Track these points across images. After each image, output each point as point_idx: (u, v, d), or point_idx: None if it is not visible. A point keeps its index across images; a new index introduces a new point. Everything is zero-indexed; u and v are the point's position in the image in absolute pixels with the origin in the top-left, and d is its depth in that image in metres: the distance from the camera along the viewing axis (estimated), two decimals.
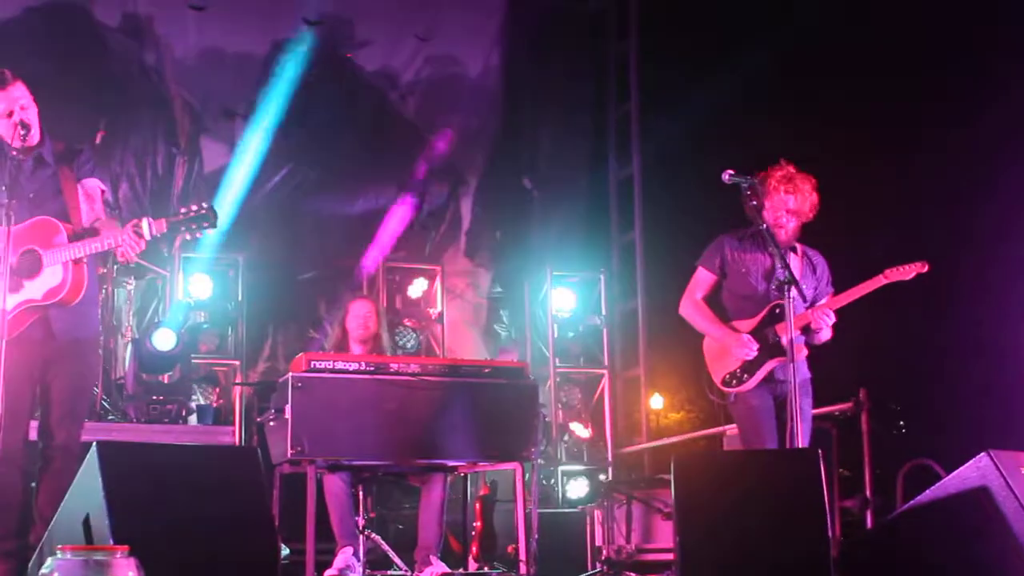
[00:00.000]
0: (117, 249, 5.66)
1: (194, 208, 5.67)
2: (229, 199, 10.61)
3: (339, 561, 7.13)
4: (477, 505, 8.81)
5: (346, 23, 11.35)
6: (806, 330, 6.71)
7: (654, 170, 11.75)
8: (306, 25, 11.43)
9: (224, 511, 4.97)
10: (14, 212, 5.50)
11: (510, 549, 8.27)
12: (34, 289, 5.64)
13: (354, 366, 6.85)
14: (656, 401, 11.66)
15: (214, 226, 5.72)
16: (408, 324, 10.90)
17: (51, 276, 5.67)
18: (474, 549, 8.57)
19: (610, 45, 12.46)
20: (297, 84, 10.98)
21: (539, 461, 8.49)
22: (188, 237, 6.00)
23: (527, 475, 7.25)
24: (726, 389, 6.78)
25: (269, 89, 11.11)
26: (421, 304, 11.14)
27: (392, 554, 7.47)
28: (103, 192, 6.13)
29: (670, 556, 6.94)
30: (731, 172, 6.48)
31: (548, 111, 12.21)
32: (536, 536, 7.51)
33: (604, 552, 8.32)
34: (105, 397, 8.75)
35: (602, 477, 10.75)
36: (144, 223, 5.60)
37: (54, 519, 5.32)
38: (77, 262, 5.69)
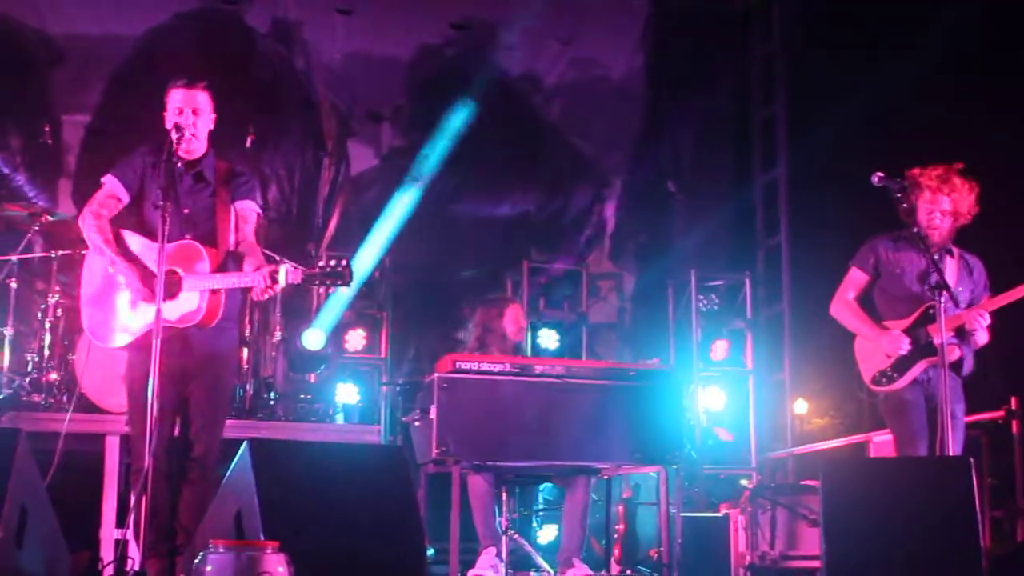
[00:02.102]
0: (252, 288, 5.77)
1: (332, 264, 5.73)
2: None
3: (482, 561, 7.17)
4: (620, 508, 8.79)
5: (490, 27, 11.39)
6: (960, 332, 6.58)
7: (801, 172, 11.59)
8: (451, 29, 11.53)
9: (373, 509, 5.03)
10: (167, 223, 5.60)
11: (652, 553, 8.26)
12: (169, 311, 5.72)
13: (499, 367, 6.87)
14: (800, 406, 11.49)
15: (348, 285, 5.78)
16: (552, 326, 10.91)
17: (187, 301, 5.79)
18: (616, 552, 8.56)
19: (755, 45, 12.34)
20: (443, 90, 11.06)
21: (682, 465, 8.44)
22: (321, 291, 6.10)
23: (670, 479, 7.21)
24: (876, 388, 6.69)
25: (418, 94, 11.24)
26: (565, 306, 11.15)
27: (535, 555, 7.49)
28: (258, 216, 6.25)
29: (815, 564, 6.83)
30: (881, 174, 6.39)
31: (692, 113, 12.11)
32: (679, 540, 7.48)
33: (748, 558, 8.24)
34: (255, 395, 8.90)
35: (745, 482, 10.64)
36: (282, 271, 5.68)
37: (204, 517, 5.44)
38: (214, 291, 5.81)
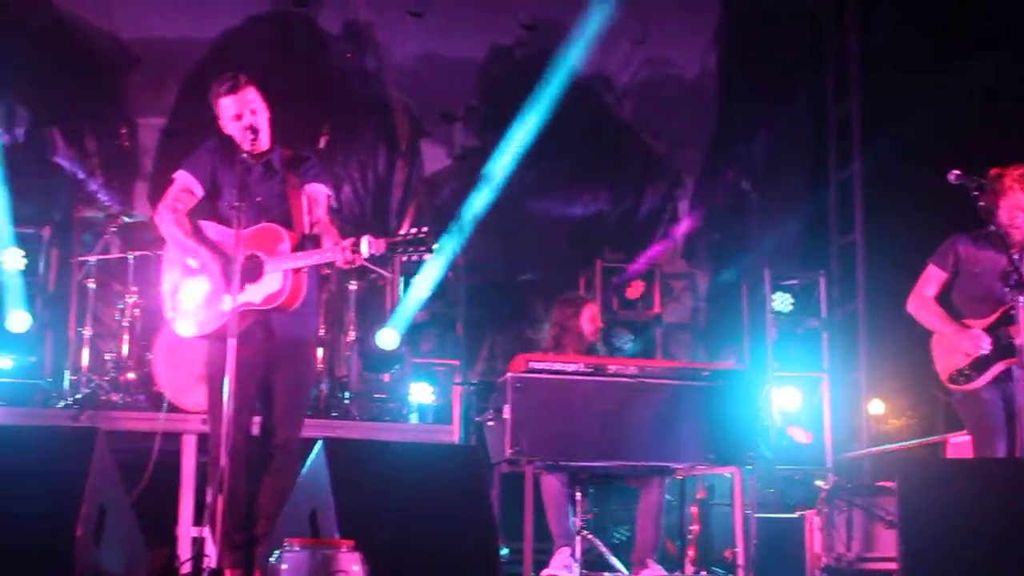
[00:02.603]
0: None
1: (413, 231, 5.75)
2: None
3: (556, 561, 7.16)
4: (694, 508, 8.74)
5: (561, 27, 11.38)
6: None
7: (876, 169, 11.47)
8: (522, 29, 11.54)
9: (446, 508, 5.04)
10: (243, 216, 5.66)
11: (727, 554, 8.19)
12: (254, 293, 5.79)
13: (573, 367, 6.87)
14: (876, 406, 11.38)
15: (431, 251, 5.78)
16: (625, 326, 10.89)
17: (271, 282, 5.82)
18: (691, 553, 8.50)
19: (829, 41, 12.24)
20: (515, 89, 11.07)
21: (757, 465, 8.39)
22: (405, 259, 6.11)
23: (745, 479, 7.17)
24: (952, 386, 6.61)
25: (490, 94, 11.26)
26: (639, 306, 11.11)
27: (609, 555, 7.47)
28: (328, 197, 6.28)
29: (892, 566, 6.76)
30: (958, 172, 6.30)
31: (765, 111, 12.04)
32: (754, 541, 7.44)
33: (823, 560, 8.17)
34: (329, 395, 8.95)
35: (821, 483, 10.54)
36: (364, 241, 5.70)
37: (282, 513, 5.48)
38: (296, 270, 5.84)
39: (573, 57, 10.90)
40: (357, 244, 5.70)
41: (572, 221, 11.71)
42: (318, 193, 6.19)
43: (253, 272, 5.78)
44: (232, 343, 5.49)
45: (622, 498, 8.98)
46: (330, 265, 6.09)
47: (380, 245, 5.72)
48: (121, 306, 8.66)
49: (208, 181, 6.10)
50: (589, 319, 8.02)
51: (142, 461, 7.26)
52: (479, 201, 10.60)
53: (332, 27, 11.37)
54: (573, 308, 8.10)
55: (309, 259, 5.84)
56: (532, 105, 10.75)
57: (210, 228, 6.06)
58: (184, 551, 7.49)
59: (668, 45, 12.02)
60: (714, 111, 12.17)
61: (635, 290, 11.06)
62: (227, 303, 5.68)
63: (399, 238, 5.75)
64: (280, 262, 5.82)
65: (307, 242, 5.98)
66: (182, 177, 6.12)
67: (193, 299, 5.99)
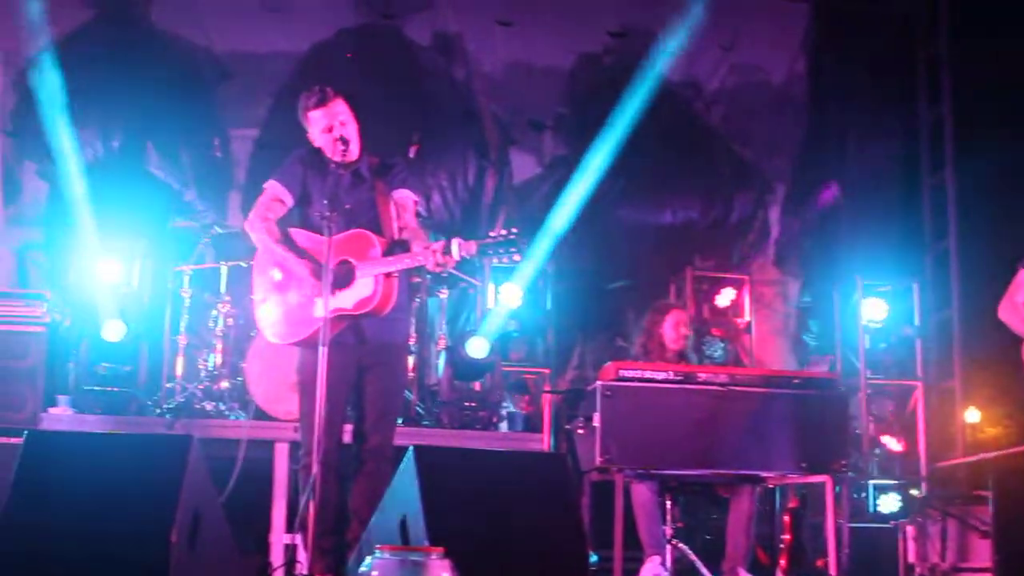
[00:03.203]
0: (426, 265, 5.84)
1: (503, 233, 5.76)
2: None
3: (647, 570, 7.14)
4: (786, 517, 8.67)
5: (649, 35, 11.36)
6: None
7: (970, 175, 11.32)
8: (610, 37, 11.54)
9: (534, 516, 5.05)
10: (334, 223, 5.72)
11: (820, 563, 8.13)
12: (346, 299, 5.85)
13: (663, 375, 6.86)
14: (972, 415, 11.21)
15: (522, 254, 5.80)
16: (716, 334, 10.84)
17: (363, 287, 5.87)
18: (783, 562, 8.44)
19: (919, 46, 12.09)
20: (603, 97, 11.07)
21: (849, 474, 8.31)
22: (496, 262, 6.13)
23: (837, 488, 7.12)
24: None
25: (578, 102, 11.27)
26: (729, 314, 11.05)
27: (699, 565, 7.42)
28: (415, 203, 6.32)
29: None
30: None
31: (856, 116, 11.93)
32: (847, 550, 7.38)
33: (917, 569, 8.09)
34: (420, 403, 9.00)
35: (915, 492, 10.42)
36: (454, 244, 5.71)
37: (372, 519, 5.51)
38: (388, 275, 5.89)
39: (661, 64, 10.88)
40: (448, 247, 5.72)
41: (662, 229, 11.68)
42: (405, 199, 6.24)
43: (345, 277, 5.84)
44: (324, 351, 5.55)
45: (713, 506, 8.95)
46: (421, 271, 6.14)
47: (470, 247, 5.73)
48: (215, 315, 8.79)
49: (298, 190, 6.18)
50: (673, 326, 8.00)
51: (236, 468, 7.37)
52: (567, 209, 10.60)
53: (420, 38, 11.46)
54: (659, 315, 8.10)
55: (400, 263, 5.88)
56: (620, 112, 10.74)
57: (300, 235, 6.13)
58: (276, 558, 7.58)
59: (757, 51, 11.96)
60: (804, 117, 12.07)
61: (725, 298, 11.01)
62: (318, 309, 5.75)
63: (489, 239, 5.76)
64: (371, 267, 5.87)
65: (397, 247, 6.02)
66: (272, 186, 6.21)
67: (284, 306, 6.07)
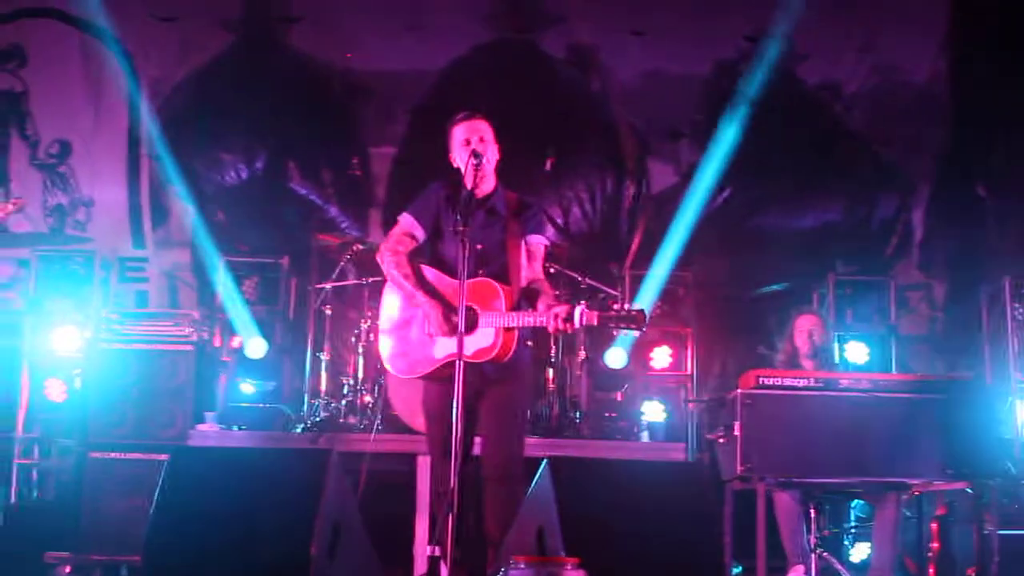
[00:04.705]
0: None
1: (626, 308, 5.81)
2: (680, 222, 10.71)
3: None
4: (934, 525, 8.50)
5: (787, 38, 11.24)
6: None
7: None
8: (746, 42, 11.45)
9: (672, 527, 5.04)
10: (467, 249, 5.72)
11: (970, 572, 7.95)
12: (466, 345, 5.83)
13: (803, 382, 6.79)
14: None
15: (640, 330, 5.83)
16: (860, 339, 10.67)
17: (483, 337, 5.92)
18: (931, 571, 8.28)
19: None
20: (741, 103, 11.00)
21: (1000, 481, 8.12)
22: (615, 333, 6.14)
23: (986, 495, 6.96)
24: None
25: (716, 110, 11.21)
26: (874, 318, 10.87)
27: (845, 574, 7.32)
28: (546, 247, 6.34)
29: None
30: None
31: (1000, 114, 11.65)
32: (996, 559, 7.20)
33: None
34: (561, 414, 9.01)
35: None
36: (576, 312, 5.75)
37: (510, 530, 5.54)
38: (508, 329, 5.92)
39: (795, 66, 10.78)
40: (570, 314, 5.75)
41: (803, 233, 11.54)
42: (538, 246, 6.27)
43: (467, 325, 5.82)
44: (460, 373, 5.55)
45: (859, 515, 8.82)
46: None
47: (592, 318, 5.77)
48: (356, 331, 8.90)
49: (431, 225, 6.22)
50: (800, 330, 7.91)
51: (379, 481, 7.45)
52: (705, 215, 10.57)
53: (555, 51, 11.50)
54: (792, 321, 8.04)
55: (522, 320, 5.91)
56: (757, 118, 10.66)
57: (430, 273, 6.18)
58: (420, 570, 7.64)
59: (896, 52, 11.75)
60: (947, 116, 11.83)
61: (868, 302, 10.83)
62: (439, 350, 5.88)
63: (612, 313, 5.80)
64: (495, 318, 5.91)
65: (523, 301, 6.05)
66: (405, 220, 6.26)
67: (405, 341, 6.13)
